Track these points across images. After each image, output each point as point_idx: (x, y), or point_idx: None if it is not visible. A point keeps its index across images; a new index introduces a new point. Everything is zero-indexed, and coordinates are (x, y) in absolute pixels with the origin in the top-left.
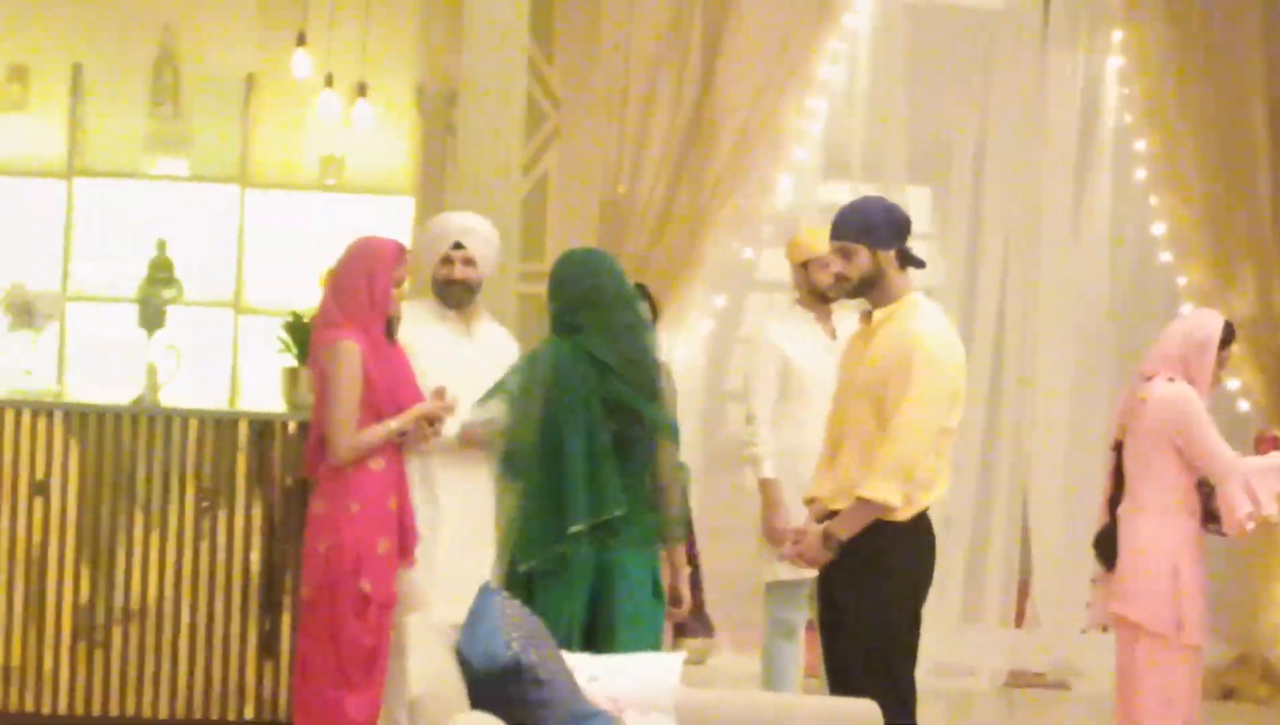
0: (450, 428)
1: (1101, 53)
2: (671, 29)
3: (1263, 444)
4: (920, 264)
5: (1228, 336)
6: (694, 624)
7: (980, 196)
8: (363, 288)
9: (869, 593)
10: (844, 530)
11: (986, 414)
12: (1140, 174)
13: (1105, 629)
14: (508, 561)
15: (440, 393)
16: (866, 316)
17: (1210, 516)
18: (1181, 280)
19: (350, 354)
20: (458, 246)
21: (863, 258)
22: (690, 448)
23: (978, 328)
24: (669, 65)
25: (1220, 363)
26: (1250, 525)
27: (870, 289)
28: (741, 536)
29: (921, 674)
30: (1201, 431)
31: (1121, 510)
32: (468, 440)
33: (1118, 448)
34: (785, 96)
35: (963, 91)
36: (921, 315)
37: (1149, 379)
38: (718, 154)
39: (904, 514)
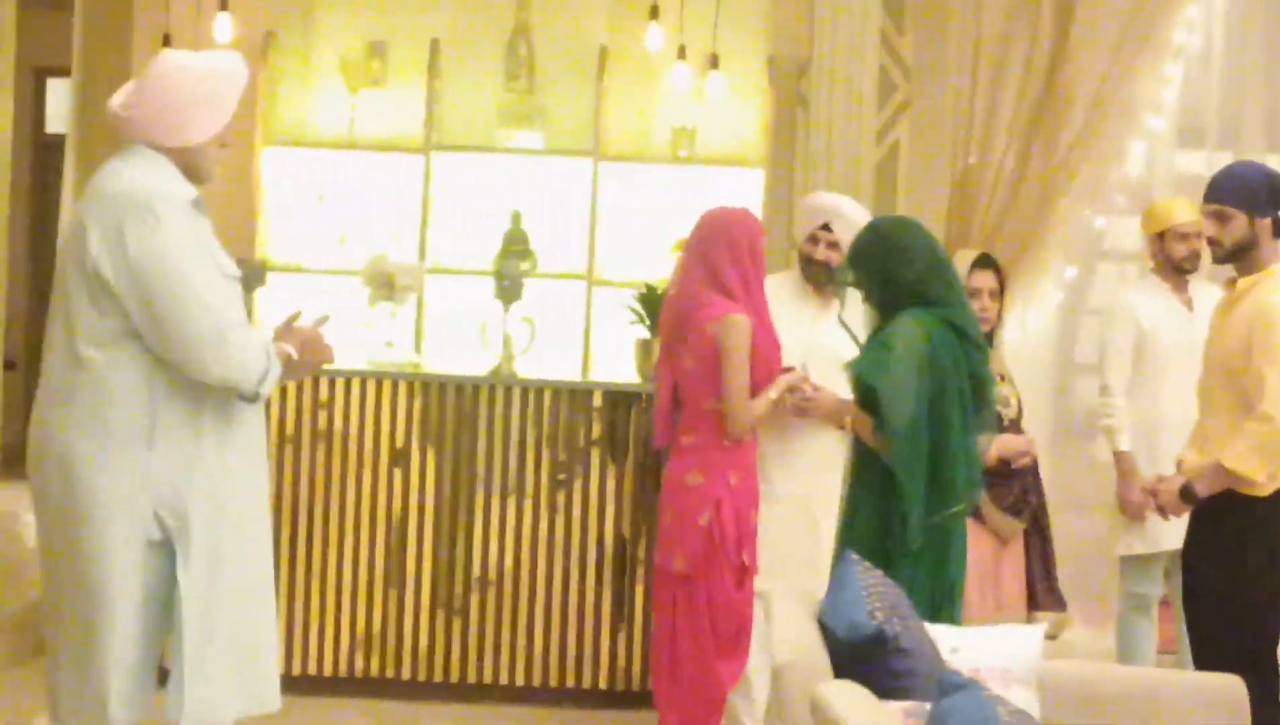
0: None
1: None
2: None
3: None
4: None
5: None
6: (1047, 598)
7: None
8: (746, 259)
9: (1230, 569)
10: (1203, 488)
11: None
12: None
13: None
14: (872, 534)
15: (790, 369)
16: (1231, 283)
17: None
18: None
19: (745, 328)
20: (825, 228)
21: (1239, 224)
22: (1041, 420)
23: None
24: (1020, 33)
25: None
26: None
27: (1241, 257)
28: (1094, 509)
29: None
30: None
31: None
32: (799, 410)
33: None
34: (1139, 63)
35: None
36: None
37: None
38: (1069, 122)
39: (1266, 489)
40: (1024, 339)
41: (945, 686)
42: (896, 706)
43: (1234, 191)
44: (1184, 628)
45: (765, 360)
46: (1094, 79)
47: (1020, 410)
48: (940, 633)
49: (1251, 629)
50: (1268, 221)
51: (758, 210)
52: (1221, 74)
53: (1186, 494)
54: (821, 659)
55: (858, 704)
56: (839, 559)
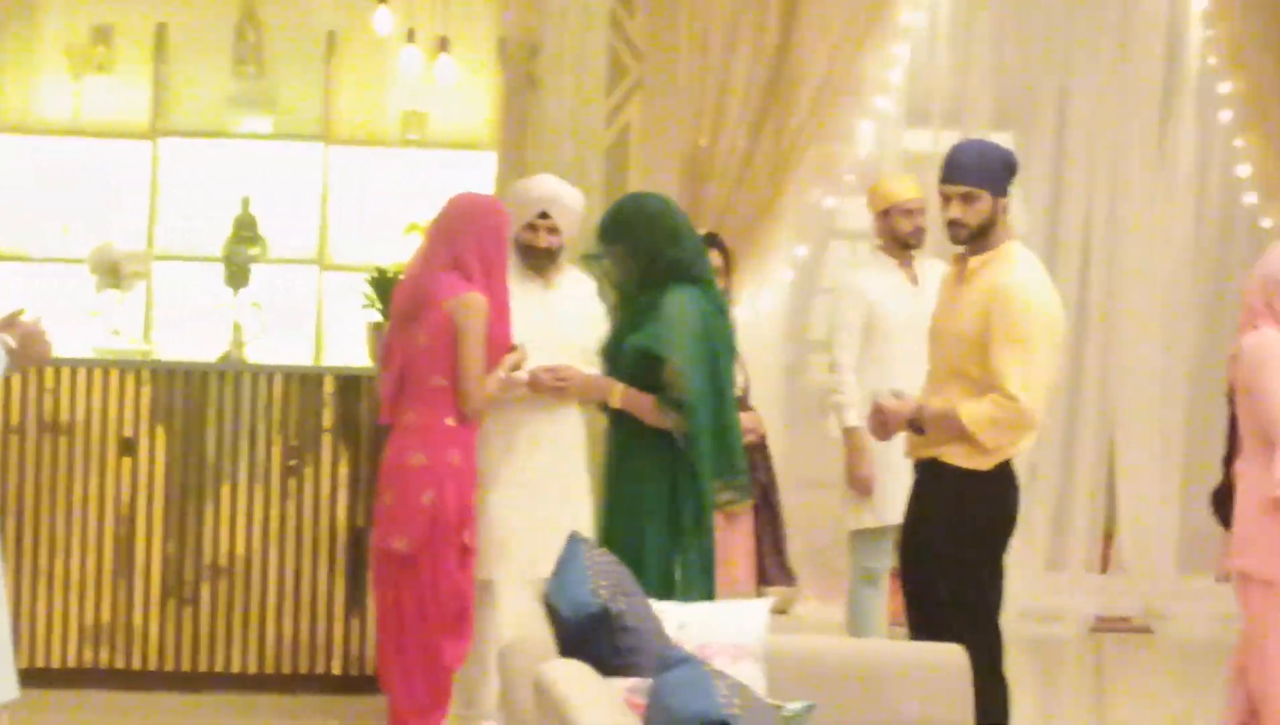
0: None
1: None
2: None
3: None
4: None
5: None
6: (777, 573)
7: (1063, 141)
8: (491, 247)
9: (953, 541)
10: (930, 422)
11: (1071, 361)
12: (1226, 116)
13: (1228, 579)
14: (663, 511)
15: (512, 348)
16: (961, 260)
17: None
18: (1266, 222)
19: (483, 308)
20: (543, 215)
21: (984, 204)
22: (773, 397)
23: (1061, 273)
24: (750, 15)
25: None
26: None
27: (982, 236)
28: (826, 486)
29: (1008, 620)
30: (1265, 380)
31: (1237, 465)
32: (536, 387)
33: (1231, 403)
34: (866, 44)
35: (1046, 36)
36: (1022, 265)
37: (1247, 330)
38: (799, 103)
39: (988, 462)
40: (756, 318)
41: (665, 661)
42: (621, 684)
43: (980, 172)
44: None
45: (499, 345)
46: (822, 60)
47: (747, 387)
48: (667, 609)
49: (974, 601)
50: (1004, 201)
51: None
52: (948, 53)
53: (914, 422)
54: (547, 640)
55: (580, 682)
56: (568, 539)
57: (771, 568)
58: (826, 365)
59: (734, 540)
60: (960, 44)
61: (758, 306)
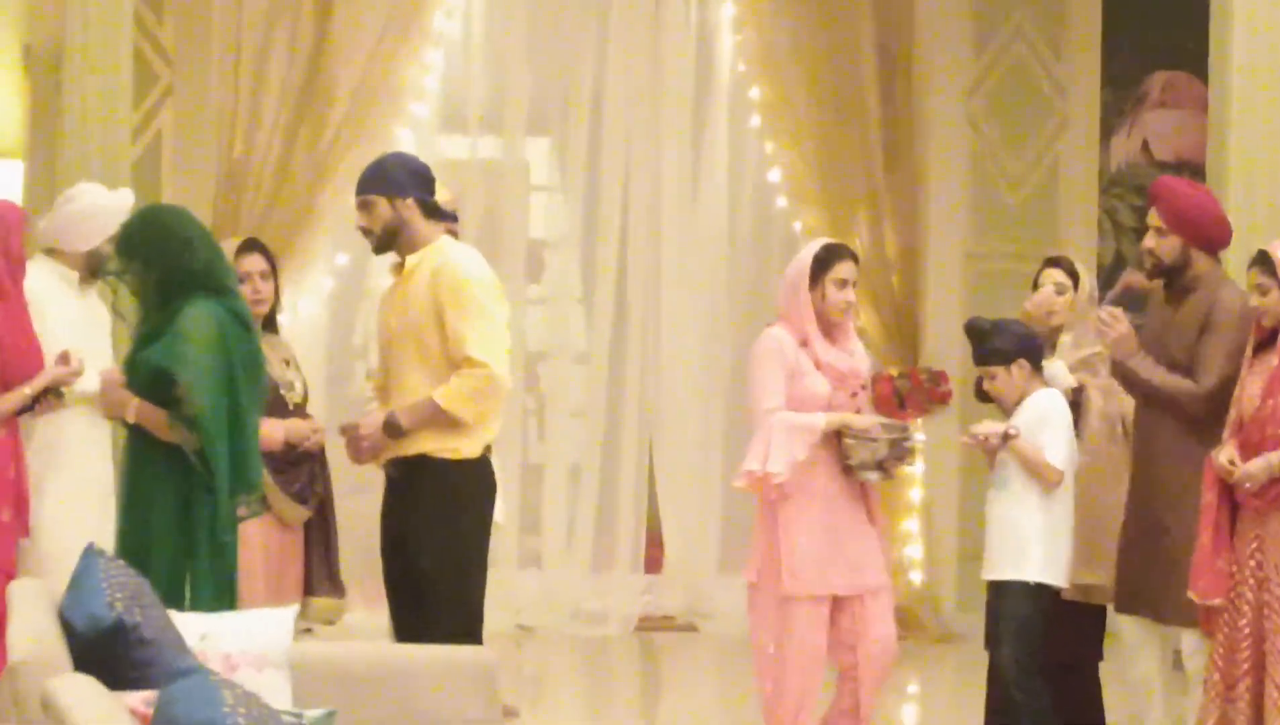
0: (90, 383)
1: (716, 1)
2: None
3: (879, 384)
4: (451, 217)
5: (826, 258)
6: (324, 584)
7: (599, 147)
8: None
9: (442, 530)
10: (407, 420)
11: (611, 363)
12: (755, 121)
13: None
14: (172, 527)
15: (65, 358)
16: (398, 268)
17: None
18: (797, 225)
19: None
20: None
21: (382, 208)
22: (317, 406)
23: (600, 277)
24: (282, 20)
25: (836, 285)
26: (741, 483)
27: (396, 238)
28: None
29: (555, 620)
30: (753, 376)
31: None
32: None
33: None
34: (401, 50)
35: (580, 41)
36: (454, 252)
37: None
38: (335, 109)
39: (470, 447)
40: (297, 325)
41: (173, 673)
42: (136, 696)
43: (368, 180)
44: None
45: (18, 354)
46: (358, 66)
47: (306, 394)
48: (189, 620)
49: (471, 593)
50: (411, 201)
51: (19, 202)
52: (482, 59)
53: (390, 425)
54: (60, 654)
55: (86, 696)
56: (84, 552)
57: (318, 579)
58: (368, 373)
59: (288, 549)
60: (494, 50)
61: (299, 313)
